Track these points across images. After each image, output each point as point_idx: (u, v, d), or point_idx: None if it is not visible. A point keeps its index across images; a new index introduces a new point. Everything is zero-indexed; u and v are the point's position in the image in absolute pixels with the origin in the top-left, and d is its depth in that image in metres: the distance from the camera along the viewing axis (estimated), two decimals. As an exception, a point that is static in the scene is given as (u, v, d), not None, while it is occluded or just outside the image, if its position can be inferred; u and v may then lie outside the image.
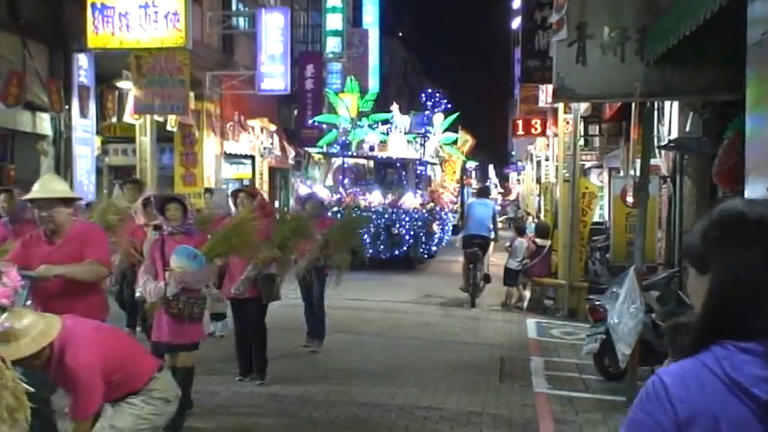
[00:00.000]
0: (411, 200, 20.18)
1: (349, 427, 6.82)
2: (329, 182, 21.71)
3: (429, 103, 24.96)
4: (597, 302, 8.64)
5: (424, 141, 23.26)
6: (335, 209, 18.68)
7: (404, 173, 21.96)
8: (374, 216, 18.91)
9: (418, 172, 22.10)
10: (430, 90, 26.31)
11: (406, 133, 23.09)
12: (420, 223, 20.04)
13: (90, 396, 4.05)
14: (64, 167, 17.07)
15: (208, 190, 10.48)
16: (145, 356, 4.62)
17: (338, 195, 20.20)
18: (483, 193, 17.98)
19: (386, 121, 23.23)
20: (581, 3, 7.20)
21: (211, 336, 9.83)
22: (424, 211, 20.55)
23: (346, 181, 21.71)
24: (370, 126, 22.51)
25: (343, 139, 22.01)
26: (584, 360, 9.07)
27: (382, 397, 7.81)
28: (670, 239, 11.31)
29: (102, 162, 20.69)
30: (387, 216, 19.64)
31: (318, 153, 24.40)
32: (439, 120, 25.93)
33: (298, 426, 6.79)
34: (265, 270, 7.88)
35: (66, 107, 16.98)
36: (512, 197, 37.57)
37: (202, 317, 6.74)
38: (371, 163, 23.08)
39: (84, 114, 17.55)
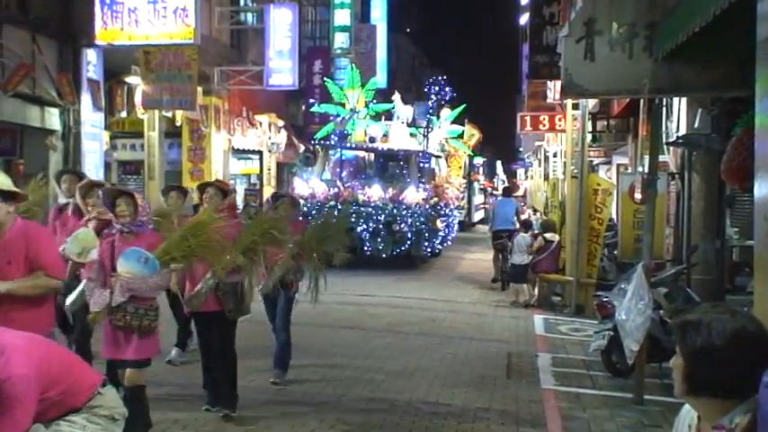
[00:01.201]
0: (413, 194, 19.04)
1: (356, 422, 6.83)
2: (327, 175, 20.64)
3: (433, 92, 23.62)
4: (605, 299, 8.65)
5: (428, 132, 22.25)
6: (332, 203, 18.25)
7: (406, 166, 20.80)
8: (373, 211, 18.33)
9: (421, 165, 21.05)
10: (433, 77, 24.73)
11: (408, 124, 22.26)
12: (423, 219, 19.04)
13: (23, 414, 3.47)
14: (72, 162, 17.14)
15: (174, 188, 8.64)
16: (86, 370, 4.07)
17: (335, 189, 19.21)
18: (507, 192, 22.26)
19: (388, 112, 22.46)
20: (590, -1, 7.20)
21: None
22: (428, 206, 19.60)
23: (344, 174, 20.79)
24: (372, 117, 21.73)
25: (341, 129, 21.23)
26: (592, 356, 9.07)
27: (389, 393, 7.82)
28: (678, 236, 11.29)
29: (111, 157, 20.76)
30: (387, 212, 18.59)
31: (316, 145, 23.25)
32: (445, 114, 25.34)
33: (304, 422, 6.80)
34: (228, 279, 6.56)
35: (76, 102, 17.04)
36: (519, 193, 37.55)
37: (155, 330, 5.82)
38: (372, 156, 22.14)
39: (96, 108, 17.60)
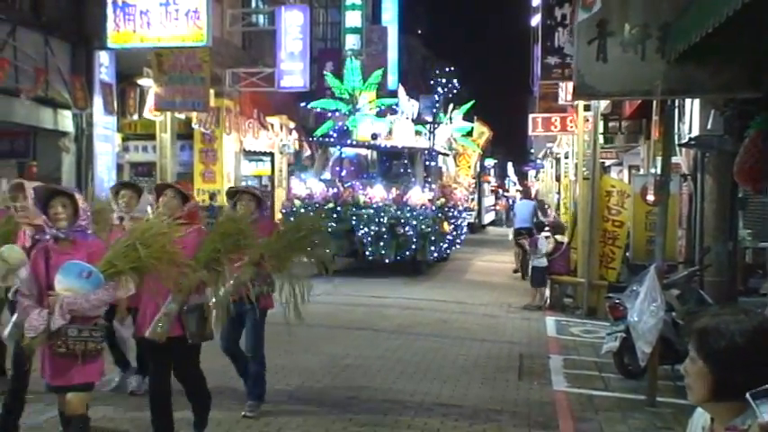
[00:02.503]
0: (418, 195, 17.75)
1: (368, 423, 6.83)
2: (327, 175, 19.28)
3: (439, 84, 22.46)
4: (617, 300, 8.62)
5: (434, 128, 20.96)
6: (330, 205, 17.30)
7: (410, 164, 19.35)
8: (375, 213, 17.23)
9: (427, 163, 19.58)
10: (439, 69, 23.90)
11: (414, 120, 21.23)
12: (429, 222, 17.68)
13: None
14: (85, 164, 17.24)
15: (127, 186, 7.62)
16: None
17: (335, 190, 17.92)
18: (526, 195, 23.43)
19: (391, 108, 21.44)
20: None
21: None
22: (434, 208, 18.29)
23: (344, 174, 19.52)
24: (377, 115, 20.62)
25: (340, 126, 20.25)
26: (604, 358, 9.05)
27: (401, 394, 7.82)
28: (691, 238, 11.26)
29: (123, 159, 20.86)
30: (390, 214, 17.30)
31: (314, 143, 22.26)
32: (452, 110, 24.60)
33: (317, 422, 6.81)
34: (192, 301, 5.61)
35: (88, 106, 17.14)
36: (519, 193, 37.63)
37: (101, 352, 5.08)
38: (374, 154, 20.68)
39: (107, 111, 17.68)
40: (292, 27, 21.65)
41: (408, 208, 17.40)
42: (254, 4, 25.45)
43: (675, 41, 6.41)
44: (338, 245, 16.20)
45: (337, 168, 19.54)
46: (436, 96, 22.20)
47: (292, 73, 21.52)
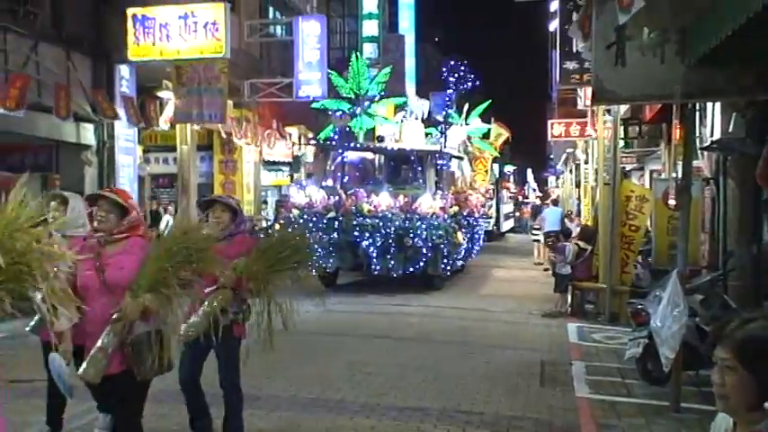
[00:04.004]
0: (429, 202, 16.22)
1: (389, 430, 6.83)
2: (330, 182, 17.78)
3: (452, 80, 20.50)
4: (639, 306, 8.57)
5: (446, 129, 19.30)
6: (332, 214, 16.01)
7: (420, 169, 17.70)
8: (381, 223, 15.73)
9: (439, 167, 18.13)
10: (453, 62, 21.06)
11: (424, 120, 19.82)
12: (441, 232, 16.14)
13: None
14: (107, 176, 17.41)
15: (56, 196, 6.45)
16: None
17: (336, 198, 16.39)
18: (555, 202, 26.05)
19: (399, 107, 20.18)
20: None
21: None
22: (447, 216, 16.72)
23: (347, 180, 18.03)
24: (385, 117, 19.35)
25: (341, 128, 18.89)
26: (627, 364, 8.99)
27: (422, 401, 7.81)
28: (714, 242, 11.17)
29: (144, 171, 21.04)
30: (398, 223, 15.80)
31: (315, 146, 20.74)
32: (467, 109, 23.26)
33: (338, 429, 6.82)
34: (136, 330, 4.67)
35: (116, 116, 17.33)
36: (549, 200, 37.24)
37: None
38: (381, 158, 18.89)
39: (130, 123, 17.86)
40: (310, 37, 21.74)
41: (418, 217, 15.92)
42: (271, 15, 25.59)
43: (695, 45, 6.38)
44: (341, 258, 16.09)
45: (339, 174, 18.06)
46: (448, 92, 20.31)
47: (310, 83, 21.58)
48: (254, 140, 22.52)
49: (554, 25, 22.84)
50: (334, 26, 31.15)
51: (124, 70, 17.86)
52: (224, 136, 21.38)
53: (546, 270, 20.13)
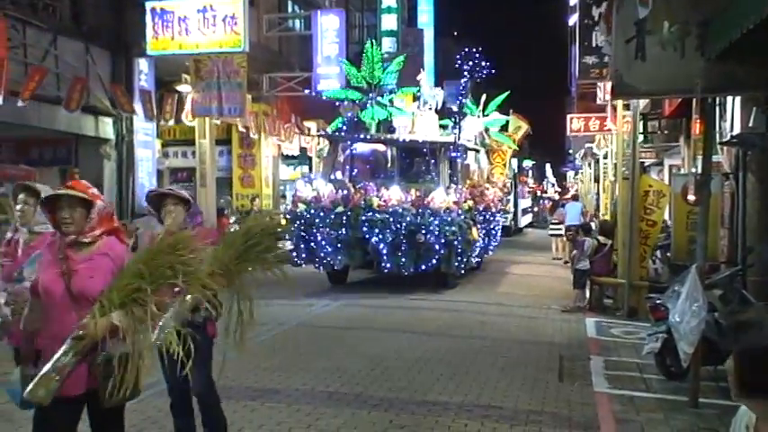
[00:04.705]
0: (442, 197, 15.37)
1: (408, 424, 6.85)
2: (339, 175, 16.96)
3: (466, 67, 18.61)
4: (658, 301, 8.55)
5: (460, 119, 18.31)
6: (339, 209, 15.20)
7: (433, 161, 16.69)
8: (392, 219, 14.88)
9: (453, 160, 17.18)
10: (467, 49, 18.97)
11: (437, 111, 18.61)
12: (454, 228, 15.21)
13: None
14: (126, 170, 17.54)
15: (25, 188, 6.04)
16: None
17: (344, 191, 15.51)
18: (575, 198, 26.17)
19: (414, 96, 19.03)
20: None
21: None
22: (461, 211, 15.89)
23: (356, 173, 17.29)
24: (399, 108, 18.03)
25: (350, 117, 17.79)
26: (645, 359, 8.97)
27: (441, 395, 7.82)
28: (733, 237, 11.11)
29: (162, 165, 21.17)
30: (409, 219, 14.93)
31: (324, 138, 19.63)
32: (483, 100, 22.14)
33: (356, 423, 6.85)
34: (114, 349, 3.99)
35: (134, 110, 17.44)
36: (568, 195, 36.78)
37: None
38: (394, 150, 17.61)
39: (147, 118, 17.96)
40: (328, 31, 21.78)
41: (430, 212, 15.05)
42: (290, 9, 25.65)
43: (715, 39, 6.34)
44: (350, 255, 15.43)
45: (348, 167, 17.36)
46: (462, 81, 18.68)
47: (329, 77, 21.62)
48: (273, 134, 22.58)
49: (573, 19, 22.77)
50: (353, 20, 31.18)
51: (143, 64, 17.97)
52: (242, 130, 21.48)
53: (566, 263, 20.50)
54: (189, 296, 4.46)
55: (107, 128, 17.23)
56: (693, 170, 12.32)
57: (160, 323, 4.14)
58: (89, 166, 16.77)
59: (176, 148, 22.42)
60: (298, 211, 15.63)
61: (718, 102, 10.26)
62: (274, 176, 23.61)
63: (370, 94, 17.81)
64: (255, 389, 7.80)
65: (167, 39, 17.47)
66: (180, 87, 19.18)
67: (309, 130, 25.43)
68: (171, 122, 19.60)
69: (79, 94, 15.20)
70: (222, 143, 22.18)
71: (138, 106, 17.64)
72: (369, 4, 32.47)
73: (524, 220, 41.01)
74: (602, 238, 14.05)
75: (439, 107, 18.87)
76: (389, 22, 30.66)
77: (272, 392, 7.57)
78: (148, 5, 17.42)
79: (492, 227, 19.86)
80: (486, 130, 22.43)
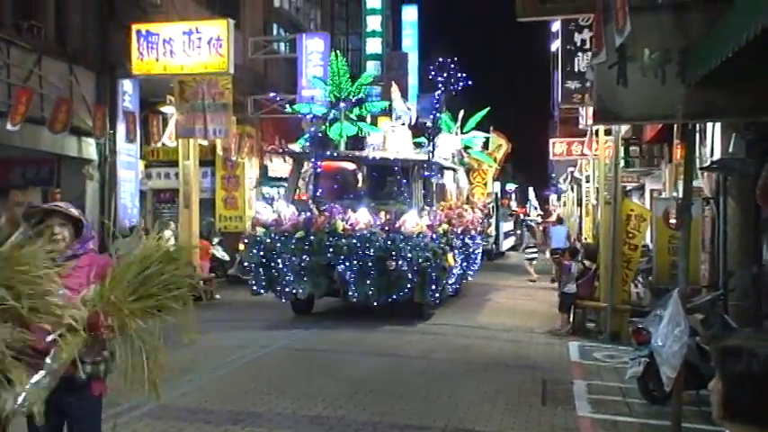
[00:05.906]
0: (414, 220, 14.11)
1: (391, 449, 6.83)
2: (302, 196, 15.99)
3: (440, 79, 16.38)
4: (640, 325, 8.58)
5: (434, 135, 16.19)
6: (300, 234, 14.07)
7: (405, 181, 15.41)
8: (358, 244, 13.78)
9: (427, 179, 15.79)
10: (441, 59, 16.97)
11: (411, 127, 17.46)
12: (428, 254, 13.98)
13: None
14: (108, 191, 17.47)
15: None
16: None
17: (307, 214, 14.40)
18: (559, 221, 26.45)
19: (384, 111, 18.22)
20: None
21: None
22: (435, 235, 14.52)
23: (321, 193, 15.92)
24: (371, 124, 16.85)
25: (313, 129, 16.45)
26: (628, 383, 8.98)
27: (425, 419, 7.80)
28: (714, 261, 11.19)
29: (146, 185, 21.10)
30: (378, 244, 13.80)
31: (286, 154, 18.52)
32: (461, 116, 21.39)
33: (340, 447, 6.82)
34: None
35: (111, 132, 17.38)
36: (552, 219, 36.51)
37: None
38: (363, 169, 16.66)
39: (128, 139, 17.92)
40: (313, 54, 21.88)
41: (401, 237, 13.85)
42: (275, 32, 25.74)
43: (695, 66, 6.42)
44: (314, 283, 14.25)
45: (312, 187, 16.17)
46: (437, 93, 16.65)
47: (313, 99, 21.61)
48: (253, 156, 22.57)
49: (556, 45, 22.97)
50: (338, 43, 31.35)
51: (127, 85, 17.96)
52: (219, 153, 21.40)
53: (553, 281, 20.74)
54: (66, 347, 3.70)
55: (90, 148, 17.18)
56: (674, 194, 12.42)
57: (27, 385, 3.49)
58: (71, 186, 16.69)
59: (159, 169, 22.38)
60: (257, 235, 14.52)
61: (698, 128, 10.36)
62: (258, 198, 23.57)
63: (340, 106, 16.94)
64: (237, 412, 7.76)
65: (152, 60, 17.47)
66: (164, 109, 19.17)
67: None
68: (159, 144, 19.58)
69: (65, 116, 15.16)
70: (206, 164, 22.15)
71: (121, 127, 17.61)
72: (353, 28, 32.68)
73: (507, 243, 40.32)
74: (587, 263, 14.10)
75: (412, 122, 18.09)
76: (374, 45, 30.85)
77: (254, 416, 7.52)
78: (134, 27, 17.42)
79: (471, 250, 18.60)
80: (466, 148, 21.58)
